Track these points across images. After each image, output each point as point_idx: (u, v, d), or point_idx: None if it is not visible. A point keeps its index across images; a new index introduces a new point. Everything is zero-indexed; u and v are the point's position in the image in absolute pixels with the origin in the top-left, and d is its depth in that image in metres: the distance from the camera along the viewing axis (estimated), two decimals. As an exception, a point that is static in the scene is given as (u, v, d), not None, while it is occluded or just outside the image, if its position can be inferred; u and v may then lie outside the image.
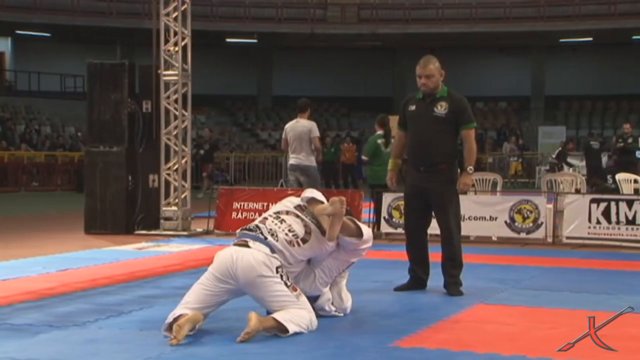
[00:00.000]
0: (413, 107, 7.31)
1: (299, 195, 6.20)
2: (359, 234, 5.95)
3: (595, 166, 22.06)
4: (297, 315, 5.46)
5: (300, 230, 5.75)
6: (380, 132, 12.61)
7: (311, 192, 6.06)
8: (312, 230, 5.79)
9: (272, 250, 5.55)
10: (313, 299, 5.89)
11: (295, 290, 5.56)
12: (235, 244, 5.64)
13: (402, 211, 11.75)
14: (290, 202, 6.01)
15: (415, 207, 7.36)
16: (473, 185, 7.77)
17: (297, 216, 5.84)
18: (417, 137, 7.30)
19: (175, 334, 5.18)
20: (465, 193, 7.29)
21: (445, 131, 7.19)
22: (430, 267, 7.40)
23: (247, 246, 5.54)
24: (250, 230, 5.68)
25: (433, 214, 7.36)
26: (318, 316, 5.74)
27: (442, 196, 7.20)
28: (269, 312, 5.57)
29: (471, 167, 7.29)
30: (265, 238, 5.58)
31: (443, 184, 7.18)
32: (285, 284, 5.50)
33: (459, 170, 7.39)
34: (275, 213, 5.87)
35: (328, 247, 5.86)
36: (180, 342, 5.15)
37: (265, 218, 5.81)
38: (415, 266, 7.35)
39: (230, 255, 5.51)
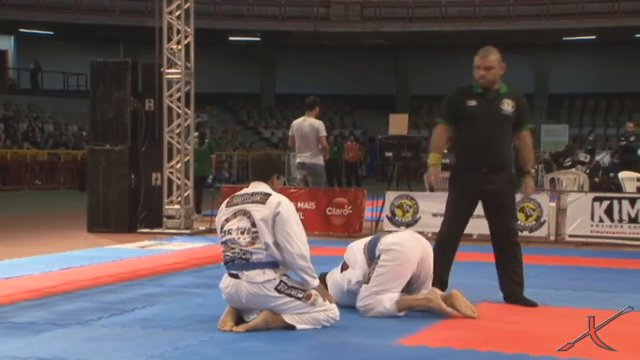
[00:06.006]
0: (474, 103, 6.71)
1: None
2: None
3: None
4: (310, 317, 5.57)
5: (246, 224, 5.59)
6: (196, 133, 13.97)
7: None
8: (252, 214, 5.59)
9: (262, 266, 5.51)
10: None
11: (310, 298, 5.57)
12: (230, 275, 5.63)
13: (406, 209, 11.95)
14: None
15: (464, 211, 6.74)
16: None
17: (235, 215, 5.66)
18: (480, 136, 6.65)
19: (222, 327, 5.53)
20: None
21: (508, 131, 6.76)
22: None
23: (239, 278, 5.55)
24: (230, 261, 5.62)
25: (487, 215, 6.78)
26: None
27: (504, 196, 6.71)
28: None
29: (532, 169, 6.92)
30: (247, 261, 5.54)
31: (504, 184, 6.72)
32: (298, 298, 5.55)
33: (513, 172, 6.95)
34: (223, 232, 5.72)
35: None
36: (232, 330, 5.48)
37: (225, 242, 5.67)
38: (444, 270, 6.62)
39: (231, 293, 5.60)
